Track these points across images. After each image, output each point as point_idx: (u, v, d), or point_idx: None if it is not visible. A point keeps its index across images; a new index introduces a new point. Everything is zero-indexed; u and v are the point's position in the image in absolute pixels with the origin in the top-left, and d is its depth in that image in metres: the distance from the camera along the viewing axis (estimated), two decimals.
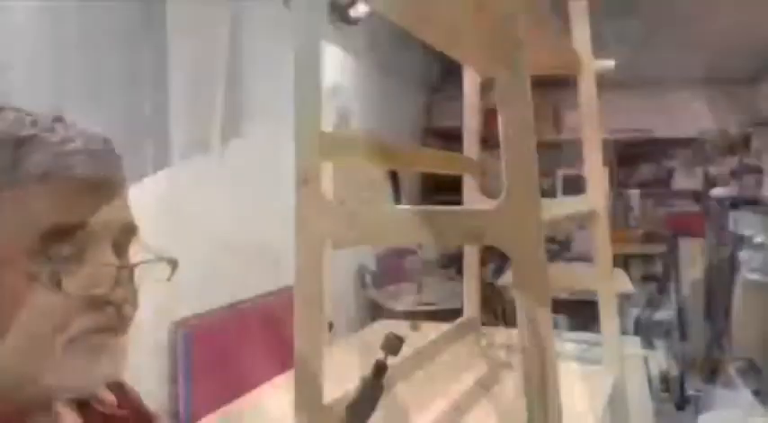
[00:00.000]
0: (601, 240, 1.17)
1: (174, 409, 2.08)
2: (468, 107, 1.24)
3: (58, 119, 0.63)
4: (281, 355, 2.36)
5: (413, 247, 4.91)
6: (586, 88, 1.22)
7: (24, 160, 0.58)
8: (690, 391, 1.95)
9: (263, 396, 1.77)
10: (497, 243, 0.59)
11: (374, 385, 0.76)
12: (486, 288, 1.26)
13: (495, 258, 4.84)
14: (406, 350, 0.96)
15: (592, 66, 1.18)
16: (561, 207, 1.17)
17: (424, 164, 1.00)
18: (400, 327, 2.70)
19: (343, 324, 3.57)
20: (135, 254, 0.68)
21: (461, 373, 1.23)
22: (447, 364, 1.17)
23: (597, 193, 1.19)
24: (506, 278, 4.07)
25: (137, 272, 0.65)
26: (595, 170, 1.22)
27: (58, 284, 0.57)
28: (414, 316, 3.21)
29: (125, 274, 0.63)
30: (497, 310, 4.15)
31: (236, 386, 1.76)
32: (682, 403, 1.87)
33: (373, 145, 0.82)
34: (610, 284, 1.21)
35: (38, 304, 0.58)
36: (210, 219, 2.30)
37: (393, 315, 3.59)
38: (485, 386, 1.15)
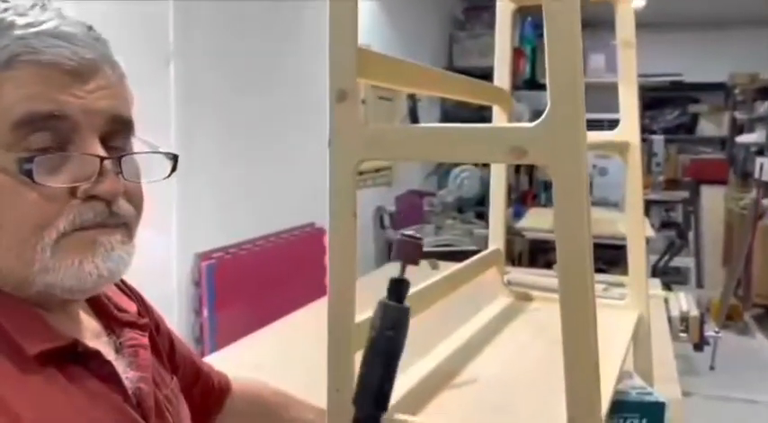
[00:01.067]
0: (633, 173, 1.15)
1: (200, 339, 2.13)
2: (500, 34, 1.20)
3: (37, 3, 0.58)
4: (301, 288, 2.40)
5: (432, 189, 4.90)
6: (625, 19, 1.17)
7: None
8: (709, 333, 1.97)
9: (285, 326, 1.80)
10: (541, 161, 0.58)
11: (396, 310, 0.59)
12: (504, 227, 1.25)
13: (515, 202, 4.82)
14: (425, 282, 0.96)
15: None
16: (595, 137, 1.14)
17: (458, 90, 0.98)
18: (419, 266, 2.72)
19: (362, 264, 3.60)
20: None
21: (484, 304, 1.24)
22: (470, 294, 1.17)
23: (631, 126, 1.16)
24: (526, 221, 4.07)
25: (125, 165, 0.61)
26: (629, 102, 1.19)
27: (31, 176, 0.54)
28: (431, 256, 3.24)
29: (111, 167, 0.59)
30: (515, 253, 4.16)
31: (258, 317, 1.80)
32: (701, 344, 1.89)
33: (409, 67, 0.80)
34: (639, 219, 1.19)
35: (17, 200, 0.55)
36: (235, 158, 2.30)
37: None
38: (509, 318, 1.16)
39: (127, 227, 0.62)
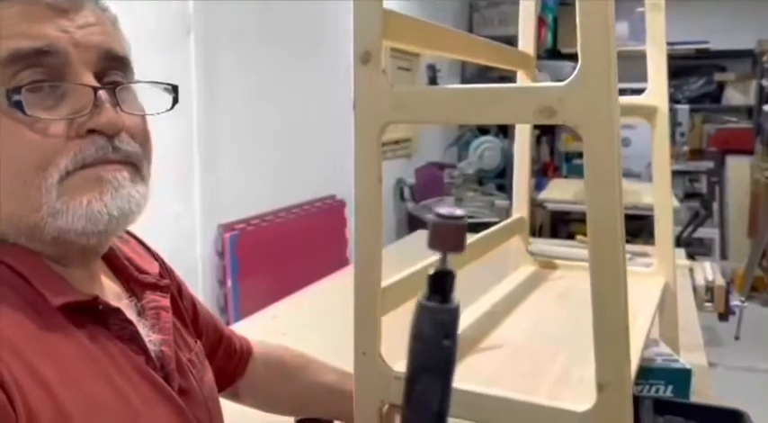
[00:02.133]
0: (660, 139, 1.13)
1: (224, 309, 2.16)
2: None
3: None
4: (322, 260, 2.42)
5: (452, 161, 4.87)
6: None
7: None
8: (734, 303, 1.94)
9: (309, 296, 1.82)
10: (571, 120, 0.57)
11: (446, 313, 0.43)
12: (529, 196, 1.24)
13: (535, 174, 4.79)
14: None
15: None
16: (624, 100, 1.12)
17: (483, 55, 0.96)
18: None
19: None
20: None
21: (509, 272, 1.23)
22: (494, 262, 1.16)
23: (659, 90, 1.13)
24: (547, 193, 4.04)
25: (122, 96, 0.59)
26: (657, 67, 1.16)
27: (21, 108, 0.52)
28: None
29: (106, 98, 0.56)
30: (536, 225, 4.14)
31: (281, 288, 1.81)
32: (726, 314, 1.87)
33: (434, 29, 0.79)
34: (667, 185, 1.17)
35: (13, 139, 0.53)
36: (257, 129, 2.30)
37: None
38: (533, 286, 1.15)
39: (134, 166, 0.60)
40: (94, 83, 0.56)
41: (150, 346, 0.61)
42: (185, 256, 1.91)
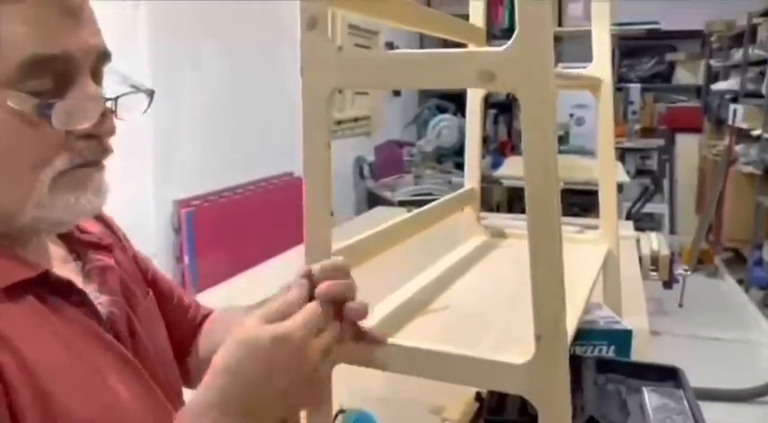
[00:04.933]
0: (604, 111, 1.17)
1: (182, 285, 2.15)
2: None
3: None
4: (280, 236, 2.42)
5: (411, 139, 4.90)
6: None
7: None
8: (678, 271, 2.03)
9: (263, 271, 1.83)
10: (509, 85, 0.59)
11: None
12: (482, 180, 1.27)
13: (492, 153, 4.85)
14: (402, 216, 0.98)
15: None
16: (569, 72, 1.15)
17: (432, 25, 0.98)
18: (398, 213, 2.76)
19: (343, 212, 3.62)
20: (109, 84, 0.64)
21: (460, 241, 1.26)
22: (445, 232, 1.19)
23: (603, 63, 1.17)
24: (503, 169, 4.10)
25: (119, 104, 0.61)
26: (601, 40, 1.20)
27: (47, 119, 0.54)
28: (411, 205, 3.27)
29: (110, 107, 0.59)
30: (493, 203, 4.21)
31: (239, 264, 1.81)
32: (670, 282, 1.95)
33: None
34: (610, 156, 1.22)
35: (16, 139, 0.54)
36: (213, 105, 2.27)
37: (390, 204, 3.65)
38: (483, 253, 1.19)
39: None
40: (100, 92, 0.59)
41: (100, 309, 0.63)
42: (140, 232, 1.89)
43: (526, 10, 0.59)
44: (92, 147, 0.59)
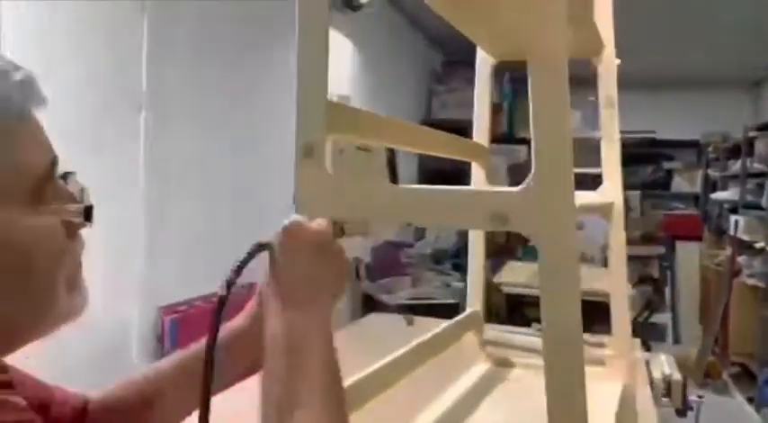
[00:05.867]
0: (617, 234, 1.11)
1: None
2: (479, 88, 1.16)
3: None
4: None
5: (408, 240, 4.84)
6: (608, 77, 1.15)
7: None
8: (692, 397, 1.90)
9: (252, 382, 1.70)
10: (524, 229, 0.53)
11: None
12: (484, 291, 1.20)
13: (492, 255, 4.78)
14: (403, 344, 0.90)
15: (613, 49, 1.11)
16: (580, 198, 1.10)
17: (434, 146, 0.93)
18: (394, 321, 2.64)
19: (337, 318, 3.50)
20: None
21: (462, 372, 1.17)
22: (447, 361, 1.10)
23: (615, 186, 1.12)
24: (503, 275, 4.02)
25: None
26: (612, 161, 1.16)
27: (87, 218, 0.56)
28: (408, 310, 3.16)
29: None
30: (492, 307, 4.10)
31: None
32: (684, 410, 1.82)
33: (382, 121, 0.75)
34: (622, 280, 1.14)
35: (56, 248, 0.55)
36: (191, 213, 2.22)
37: (387, 308, 3.53)
38: (488, 388, 1.09)
39: None
40: (76, 191, 0.59)
41: None
42: (121, 339, 1.78)
43: (544, 150, 0.53)
44: (82, 244, 0.59)
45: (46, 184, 0.54)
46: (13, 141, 0.52)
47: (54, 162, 0.56)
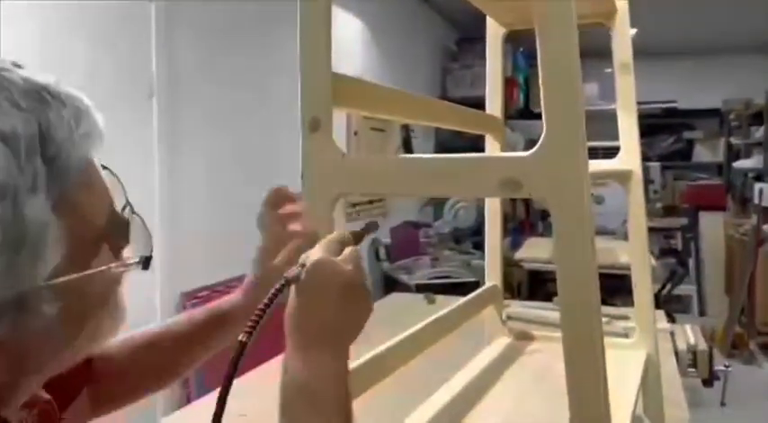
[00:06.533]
0: (636, 204, 1.09)
1: (185, 384, 2.04)
2: (491, 59, 1.14)
3: (18, 65, 0.50)
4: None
5: (427, 220, 4.83)
6: (622, 42, 1.12)
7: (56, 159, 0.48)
8: (718, 367, 1.87)
9: (275, 366, 1.71)
10: (537, 193, 0.51)
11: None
12: (502, 261, 1.18)
13: (513, 232, 4.76)
14: (423, 321, 0.89)
15: (626, 13, 1.08)
16: (595, 165, 1.08)
17: (446, 119, 0.92)
18: (416, 300, 2.64)
19: None
20: None
21: (483, 346, 1.16)
22: (469, 335, 1.10)
23: (632, 153, 1.10)
24: (523, 251, 3.99)
25: None
26: (629, 129, 1.13)
27: (145, 267, 0.59)
28: (428, 289, 3.15)
29: None
30: (514, 284, 4.08)
31: (247, 358, 1.70)
32: (710, 380, 1.79)
33: (390, 93, 0.74)
34: (644, 251, 1.12)
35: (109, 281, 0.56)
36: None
37: (407, 288, 3.53)
38: (509, 361, 1.08)
39: None
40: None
41: None
42: (143, 325, 1.79)
43: (554, 108, 0.52)
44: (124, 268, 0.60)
45: (109, 232, 0.55)
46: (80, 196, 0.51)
47: (111, 204, 0.56)
